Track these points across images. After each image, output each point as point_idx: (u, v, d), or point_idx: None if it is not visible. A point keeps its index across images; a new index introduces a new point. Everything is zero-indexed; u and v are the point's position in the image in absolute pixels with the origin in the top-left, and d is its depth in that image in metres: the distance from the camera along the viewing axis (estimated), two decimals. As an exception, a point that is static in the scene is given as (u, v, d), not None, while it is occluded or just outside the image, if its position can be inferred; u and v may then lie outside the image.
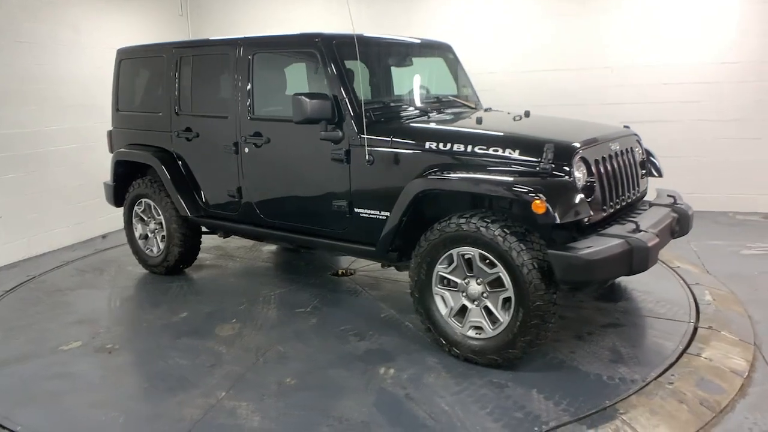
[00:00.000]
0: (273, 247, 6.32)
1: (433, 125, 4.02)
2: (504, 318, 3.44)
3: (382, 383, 3.46)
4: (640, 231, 3.44)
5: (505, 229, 3.34)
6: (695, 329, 3.95)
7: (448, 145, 3.70)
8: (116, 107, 5.71)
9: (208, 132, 4.92)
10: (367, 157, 3.95)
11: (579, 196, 3.32)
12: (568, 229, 3.49)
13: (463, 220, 3.48)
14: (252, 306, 4.70)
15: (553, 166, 3.38)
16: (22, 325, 4.52)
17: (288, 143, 4.43)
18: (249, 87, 4.57)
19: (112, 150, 5.87)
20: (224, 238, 5.52)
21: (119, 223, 5.87)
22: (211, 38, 5.04)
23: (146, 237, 5.62)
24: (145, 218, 5.56)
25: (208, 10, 8.94)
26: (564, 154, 3.41)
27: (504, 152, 3.53)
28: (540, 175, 3.39)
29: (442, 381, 3.45)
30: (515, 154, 3.50)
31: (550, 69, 7.42)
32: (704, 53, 6.93)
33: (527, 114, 4.39)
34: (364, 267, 5.49)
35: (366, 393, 3.36)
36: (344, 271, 5.45)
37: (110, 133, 5.85)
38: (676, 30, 7.00)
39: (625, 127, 4.33)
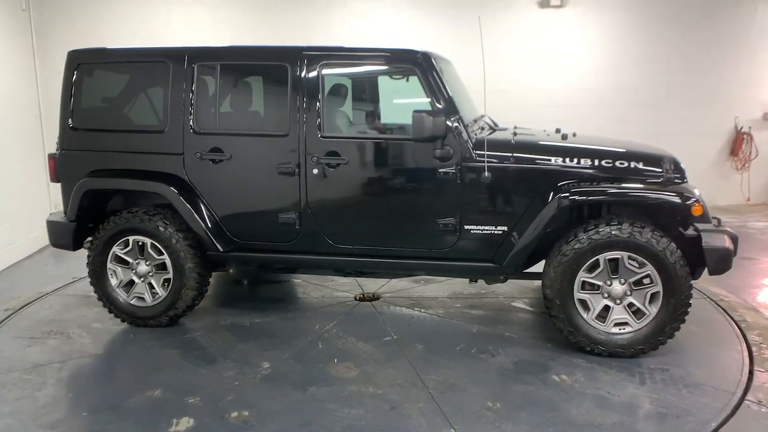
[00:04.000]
0: (228, 279, 5.68)
1: (554, 143, 4.23)
2: (651, 311, 3.88)
3: (573, 389, 3.60)
4: (722, 225, 4.22)
5: (655, 233, 3.80)
6: (716, 302, 4.95)
7: (575, 160, 4.01)
8: (70, 125, 4.53)
9: (249, 153, 4.30)
10: (486, 174, 4.00)
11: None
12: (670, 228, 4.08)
13: (613, 228, 3.83)
14: (329, 343, 4.28)
15: (674, 176, 3.98)
16: (66, 417, 3.38)
17: (376, 163, 4.18)
18: (319, 104, 4.17)
19: (58, 179, 4.65)
20: (234, 272, 4.83)
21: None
22: (252, 45, 4.40)
23: (130, 284, 4.57)
24: (131, 261, 4.53)
25: (55, 6, 7.44)
26: (677, 164, 4.03)
27: (630, 165, 3.99)
28: (664, 184, 3.95)
29: (614, 376, 3.75)
30: (640, 166, 3.99)
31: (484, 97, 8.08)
32: (570, 80, 8.36)
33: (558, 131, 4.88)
34: (380, 289, 5.35)
35: (576, 399, 3.48)
36: (363, 296, 5.23)
37: (56, 158, 4.61)
38: (548, 59, 8.31)
39: None
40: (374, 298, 5.19)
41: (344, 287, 5.43)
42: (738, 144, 9.14)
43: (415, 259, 4.27)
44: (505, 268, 4.11)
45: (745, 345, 4.16)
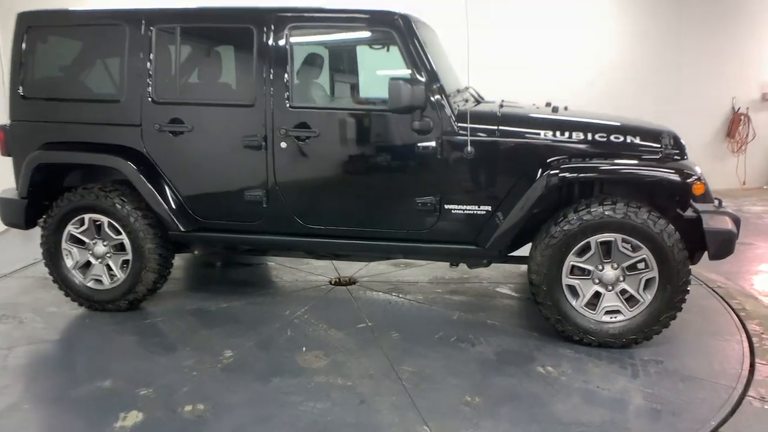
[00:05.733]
0: (189, 262, 5.35)
1: (543, 115, 3.90)
2: (646, 298, 3.59)
3: (559, 382, 3.31)
4: (722, 206, 3.92)
5: (652, 214, 3.50)
6: (712, 289, 4.68)
7: (566, 134, 3.69)
8: (20, 93, 4.17)
9: (211, 124, 3.96)
10: (468, 149, 3.68)
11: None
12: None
13: (606, 208, 3.52)
14: (298, 330, 3.97)
15: (673, 152, 3.66)
16: (5, 410, 3.07)
17: (349, 136, 3.85)
18: (287, 71, 3.83)
19: (9, 152, 4.30)
20: (200, 254, 4.51)
21: None
22: (214, 6, 4.03)
23: (87, 265, 4.25)
24: (87, 240, 4.20)
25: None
26: (677, 140, 3.71)
27: (626, 140, 3.68)
28: (662, 161, 3.64)
29: (604, 368, 3.46)
30: (636, 141, 3.68)
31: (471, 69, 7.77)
32: (562, 55, 8.10)
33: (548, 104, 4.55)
34: (358, 273, 5.05)
35: (562, 393, 3.20)
36: (338, 280, 4.92)
37: (6, 129, 4.26)
38: (540, 34, 8.01)
39: None
40: (350, 282, 4.88)
41: (319, 270, 5.13)
42: (735, 125, 8.85)
43: (391, 240, 3.95)
44: (489, 251, 3.80)
45: (744, 335, 3.89)
